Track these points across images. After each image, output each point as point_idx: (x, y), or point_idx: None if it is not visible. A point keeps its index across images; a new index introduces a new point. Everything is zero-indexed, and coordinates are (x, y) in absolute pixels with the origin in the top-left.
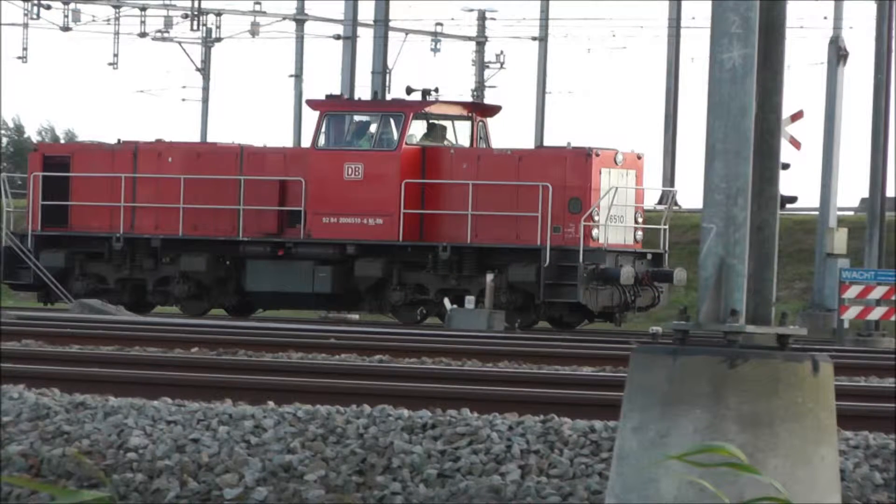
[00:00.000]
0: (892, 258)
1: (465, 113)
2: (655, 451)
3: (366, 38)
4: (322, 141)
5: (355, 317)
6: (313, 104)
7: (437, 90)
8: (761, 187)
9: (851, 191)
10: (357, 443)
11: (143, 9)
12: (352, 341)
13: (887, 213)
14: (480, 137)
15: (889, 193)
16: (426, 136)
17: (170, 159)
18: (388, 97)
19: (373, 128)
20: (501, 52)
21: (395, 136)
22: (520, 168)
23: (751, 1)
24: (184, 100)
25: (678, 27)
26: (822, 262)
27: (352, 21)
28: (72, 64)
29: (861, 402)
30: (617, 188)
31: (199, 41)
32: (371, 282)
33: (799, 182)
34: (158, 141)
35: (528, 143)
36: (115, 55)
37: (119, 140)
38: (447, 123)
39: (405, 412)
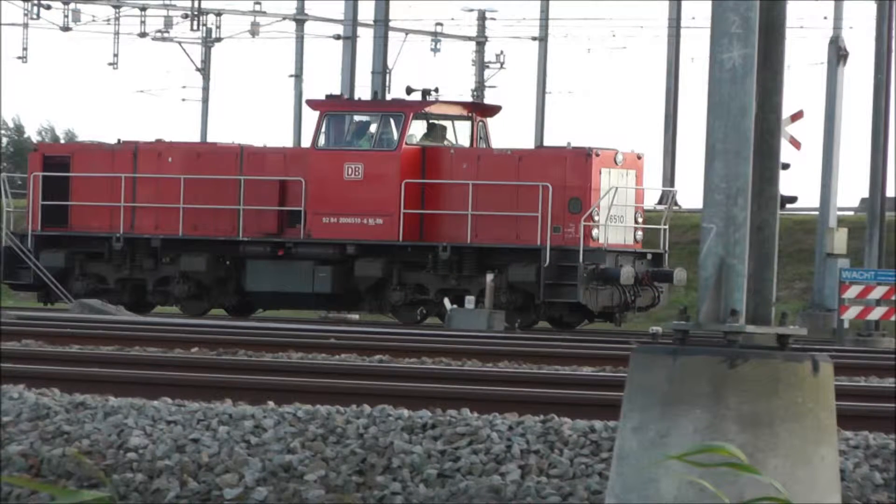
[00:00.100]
0: (892, 258)
1: (465, 113)
2: (655, 451)
3: (366, 38)
4: (322, 141)
5: (355, 317)
6: (313, 104)
7: (437, 90)
8: (761, 187)
9: (851, 191)
10: (357, 443)
11: (143, 9)
12: (352, 341)
13: (887, 213)
14: (480, 137)
15: (889, 193)
16: (426, 136)
17: (170, 159)
18: (388, 97)
19: (373, 128)
20: (501, 52)
21: (395, 136)
22: (520, 168)
23: (751, 1)
24: (184, 100)
25: (678, 27)
26: (822, 262)
27: (352, 21)
28: (72, 64)
29: (861, 402)
30: (617, 188)
31: (199, 41)
32: (371, 282)
33: (799, 182)
34: (158, 141)
35: (528, 143)
36: (115, 55)
37: (119, 140)
38: (447, 123)
39: (405, 412)
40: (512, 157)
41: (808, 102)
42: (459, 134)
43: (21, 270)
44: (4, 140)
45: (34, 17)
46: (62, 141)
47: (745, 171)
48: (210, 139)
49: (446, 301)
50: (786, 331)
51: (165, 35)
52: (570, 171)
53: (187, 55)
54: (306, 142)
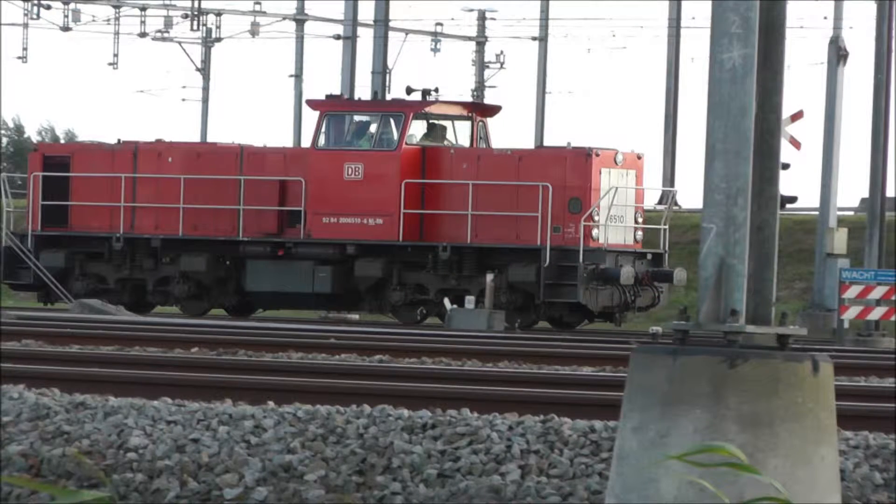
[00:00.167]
0: (892, 258)
1: (465, 113)
2: (655, 451)
3: (366, 38)
4: (322, 141)
5: (355, 317)
6: (313, 104)
7: (437, 90)
8: (761, 187)
9: (851, 191)
10: (357, 443)
11: (143, 9)
12: (352, 341)
13: (887, 213)
14: (480, 137)
15: (889, 193)
16: (426, 136)
17: (170, 159)
18: (388, 97)
19: (373, 128)
20: (501, 52)
21: (395, 136)
22: (520, 168)
23: (751, 1)
24: (184, 100)
25: (678, 27)
26: (822, 262)
27: (352, 21)
28: (72, 64)
29: (861, 402)
30: (617, 188)
31: (199, 41)
32: (371, 282)
33: (799, 182)
34: (158, 141)
35: (528, 143)
36: (115, 55)
37: (119, 140)
38: (447, 123)
39: (405, 412)
40: (512, 157)
41: (808, 102)
42: (459, 134)
43: (21, 270)
44: (4, 140)
45: (34, 17)
46: (62, 141)
47: (745, 171)
48: (210, 139)
49: (446, 301)
50: (786, 331)
51: (165, 35)
52: (570, 171)
53: (187, 55)
54: (306, 142)
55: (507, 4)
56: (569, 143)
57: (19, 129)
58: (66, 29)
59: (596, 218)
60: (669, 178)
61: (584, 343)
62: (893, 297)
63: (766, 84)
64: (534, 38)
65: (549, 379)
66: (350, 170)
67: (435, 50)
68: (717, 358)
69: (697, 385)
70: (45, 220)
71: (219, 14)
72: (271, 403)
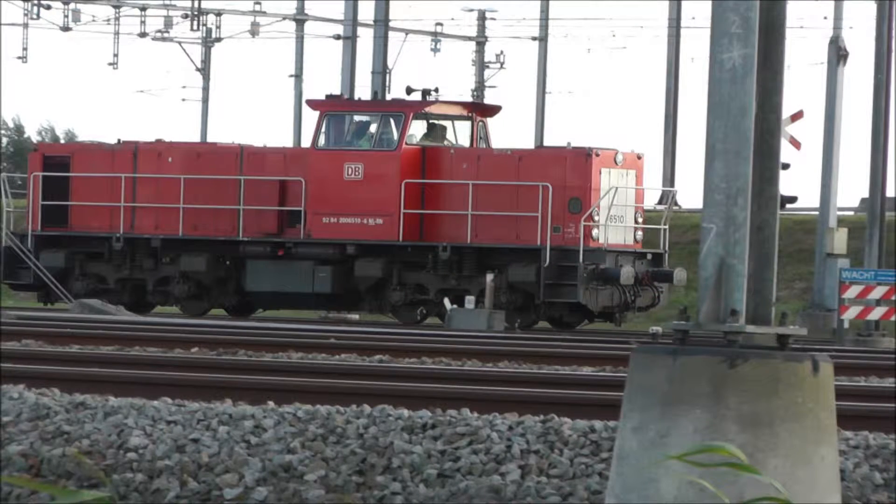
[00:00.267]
0: (892, 258)
1: (465, 113)
2: (655, 451)
3: (366, 38)
4: (322, 141)
5: (355, 317)
6: (313, 104)
7: (437, 90)
8: (761, 187)
9: (851, 191)
10: (357, 443)
11: (143, 9)
12: (352, 341)
13: (887, 213)
14: (480, 137)
15: (889, 193)
16: (426, 136)
17: (170, 159)
18: (388, 97)
19: (373, 128)
20: (501, 52)
21: (395, 136)
22: (520, 168)
23: (751, 1)
24: (184, 100)
25: (678, 27)
26: (822, 262)
27: (352, 21)
28: (72, 64)
29: (861, 402)
30: (617, 188)
31: (199, 41)
32: (371, 282)
33: (799, 182)
34: (158, 141)
35: (528, 143)
36: (115, 55)
37: (119, 140)
38: (447, 123)
39: (405, 412)
40: (512, 157)
41: (808, 102)
42: (459, 134)
43: (21, 270)
44: (4, 140)
45: (34, 17)
46: (62, 141)
47: (745, 171)
48: (210, 139)
49: (446, 301)
50: (786, 331)
51: (165, 35)
52: (570, 171)
53: (187, 55)
54: (306, 142)
55: (507, 4)
56: (569, 143)
57: (19, 129)
58: (66, 29)
59: (596, 218)
60: (669, 178)
61: (584, 343)
62: (893, 297)
63: (766, 84)
64: (534, 38)
65: (549, 379)
66: (350, 170)
67: (435, 50)
68: (717, 358)
69: (697, 385)
70: (45, 220)
71: (219, 14)
72: (271, 403)
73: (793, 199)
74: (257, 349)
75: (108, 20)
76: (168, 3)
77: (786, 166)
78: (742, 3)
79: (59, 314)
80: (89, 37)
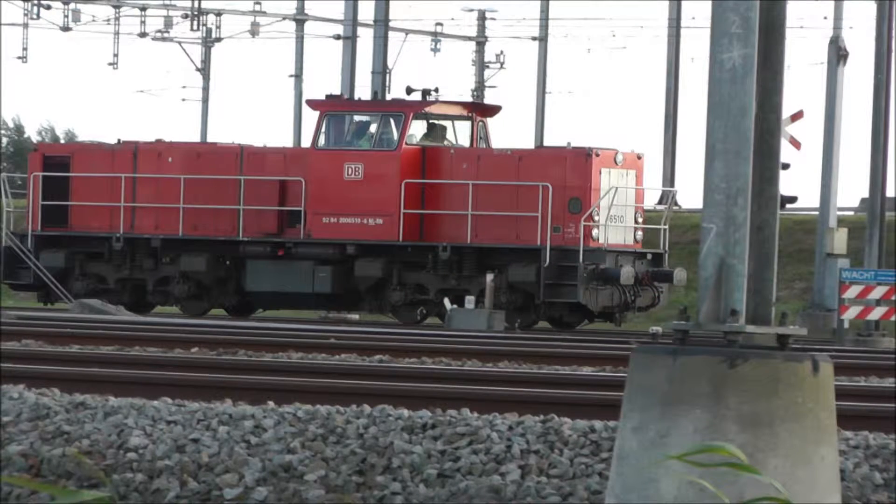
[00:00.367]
0: (892, 258)
1: (465, 113)
2: (655, 451)
3: (366, 38)
4: (322, 141)
5: (355, 317)
6: (313, 104)
7: (437, 90)
8: (761, 187)
9: (851, 191)
10: (357, 443)
11: (143, 9)
12: (352, 341)
13: (887, 213)
14: (480, 137)
15: (889, 193)
16: (426, 136)
17: (170, 159)
18: (388, 97)
19: (373, 128)
20: (501, 52)
21: (395, 136)
22: (520, 168)
23: (751, 1)
24: (184, 100)
25: (678, 27)
26: (822, 262)
27: (352, 21)
28: (72, 64)
29: (861, 402)
30: (617, 188)
31: (199, 41)
32: (371, 282)
33: (799, 182)
34: (158, 141)
35: (528, 143)
36: (115, 55)
37: (119, 140)
38: (447, 123)
39: (405, 412)
40: (512, 157)
41: (808, 102)
42: (459, 134)
43: (21, 270)
44: (4, 140)
45: (34, 17)
46: (62, 141)
47: (745, 171)
48: (210, 139)
49: (446, 301)
50: (786, 331)
51: (165, 35)
52: (570, 171)
53: (187, 55)
54: (306, 142)
55: (507, 4)
56: (569, 143)
57: (19, 129)
58: (66, 29)
59: (596, 218)
60: (669, 178)
61: (584, 343)
62: (893, 297)
63: (766, 84)
64: (534, 38)
65: (549, 379)
66: (350, 170)
67: (435, 50)
68: (717, 358)
69: (697, 385)
70: (45, 220)
71: (219, 14)
72: (271, 403)
73: (793, 199)
74: (257, 349)
75: (108, 20)
76: (168, 3)
77: (786, 166)
78: (742, 3)
79: (59, 314)
80: (89, 37)
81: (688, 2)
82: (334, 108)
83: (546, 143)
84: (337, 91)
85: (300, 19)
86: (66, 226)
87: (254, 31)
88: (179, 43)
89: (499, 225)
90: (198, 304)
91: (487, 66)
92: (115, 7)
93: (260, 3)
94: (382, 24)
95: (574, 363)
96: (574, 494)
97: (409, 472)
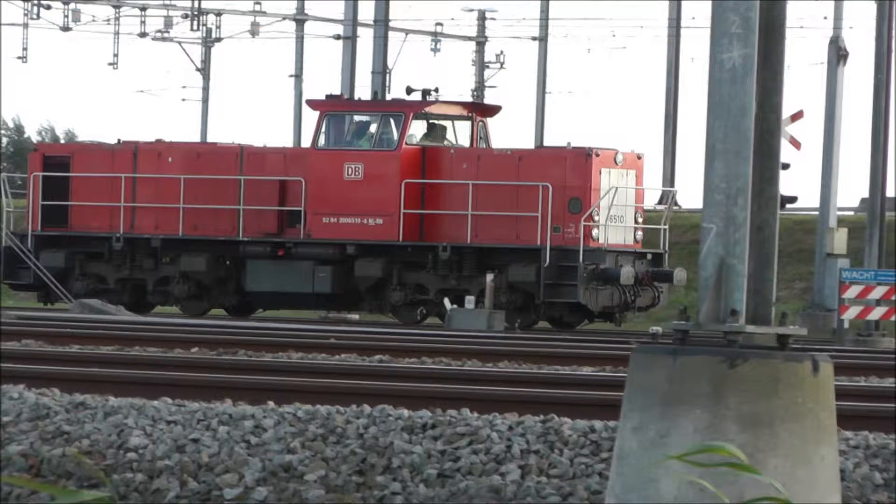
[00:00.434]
0: (892, 258)
1: (465, 113)
2: (655, 451)
3: (366, 38)
4: (322, 141)
5: (355, 317)
6: (313, 104)
7: (437, 90)
8: (761, 187)
9: (851, 191)
10: (357, 443)
11: (143, 9)
12: (352, 341)
13: (887, 213)
14: (480, 137)
15: (889, 193)
16: (426, 136)
17: (170, 159)
18: (388, 97)
19: (373, 128)
20: (501, 52)
21: (395, 136)
22: (520, 168)
23: (751, 1)
24: (184, 100)
25: (678, 27)
26: (822, 262)
27: (352, 21)
28: (72, 64)
29: (861, 402)
30: (617, 188)
31: (199, 41)
32: (371, 282)
33: (799, 182)
34: (158, 141)
35: (528, 143)
36: (115, 55)
37: (119, 140)
38: (447, 123)
39: (405, 412)
40: (512, 157)
41: (808, 102)
42: (459, 134)
43: (21, 270)
44: (4, 140)
45: (34, 17)
46: (62, 141)
47: (745, 171)
48: (210, 139)
49: (446, 301)
50: (786, 331)
51: (165, 35)
52: (570, 171)
53: (187, 55)
54: (306, 142)
55: (507, 4)
56: (569, 143)
57: (19, 129)
58: (66, 29)
59: (596, 218)
60: (669, 178)
61: (584, 343)
62: (893, 297)
63: (766, 84)
64: (534, 38)
65: (549, 379)
66: (350, 170)
67: (435, 50)
68: (717, 358)
69: (697, 385)
70: (45, 220)
71: (219, 14)
72: (271, 403)
73: (793, 199)
74: (257, 349)
75: (108, 20)
76: (168, 3)
77: (786, 166)
78: (742, 3)
79: (59, 314)
80: (89, 37)
81: (688, 2)
82: (334, 108)
83: (546, 143)
84: (337, 91)
85: (300, 19)
86: (66, 226)
87: (254, 31)
88: (179, 43)
89: (499, 225)
90: (198, 304)
91: (487, 66)
92: (115, 7)
93: (260, 3)
94: (382, 24)
95: (574, 363)
96: (574, 494)
97: (409, 472)
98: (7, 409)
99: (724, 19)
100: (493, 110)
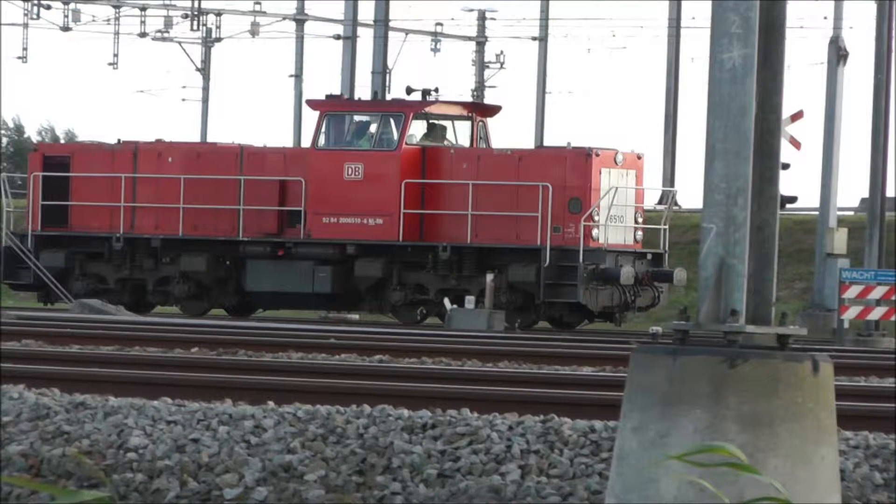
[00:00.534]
0: (892, 258)
1: (465, 113)
2: (655, 451)
3: (366, 38)
4: (322, 141)
5: (355, 317)
6: (313, 104)
7: (437, 90)
8: (761, 187)
9: (851, 191)
10: (357, 443)
11: (143, 9)
12: (352, 341)
13: (887, 213)
14: (480, 137)
15: (889, 193)
16: (426, 136)
17: (170, 159)
18: (388, 97)
19: (373, 128)
20: (501, 52)
21: (395, 136)
22: (520, 168)
23: (751, 1)
24: (184, 100)
25: (678, 27)
26: (822, 262)
27: (352, 21)
28: (72, 64)
29: (861, 402)
30: (617, 188)
31: (199, 41)
32: (371, 282)
33: (799, 182)
34: (158, 141)
35: (528, 143)
36: (115, 55)
37: (119, 140)
38: (447, 123)
39: (405, 412)
40: (512, 157)
41: (808, 102)
42: (459, 134)
43: (21, 270)
44: (4, 140)
45: (34, 17)
46: (62, 141)
47: (745, 171)
48: (210, 139)
49: (446, 301)
50: (786, 331)
51: (165, 35)
52: (570, 171)
53: (187, 55)
54: (306, 142)
55: (507, 4)
56: (569, 143)
57: (19, 129)
58: (66, 29)
59: (596, 218)
60: (669, 178)
61: (584, 343)
62: (893, 297)
63: (766, 84)
64: (534, 38)
65: (549, 379)
66: (350, 170)
67: (435, 50)
68: (717, 358)
69: (697, 385)
70: (45, 220)
71: (219, 14)
72: (271, 403)
73: (793, 199)
74: (257, 349)
75: (108, 20)
76: (168, 3)
77: (786, 166)
78: (742, 3)
79: (59, 314)
80: (89, 37)
81: (688, 2)
82: (334, 108)
83: (546, 143)
84: (337, 91)
85: (300, 19)
86: (66, 226)
87: (254, 31)
88: (179, 43)
89: (499, 225)
90: (198, 304)
91: (487, 66)
92: (115, 7)
93: (260, 3)
94: (382, 24)
95: (574, 363)
96: (574, 494)
97: (409, 472)
98: (7, 409)
99: (724, 19)
100: (493, 110)
